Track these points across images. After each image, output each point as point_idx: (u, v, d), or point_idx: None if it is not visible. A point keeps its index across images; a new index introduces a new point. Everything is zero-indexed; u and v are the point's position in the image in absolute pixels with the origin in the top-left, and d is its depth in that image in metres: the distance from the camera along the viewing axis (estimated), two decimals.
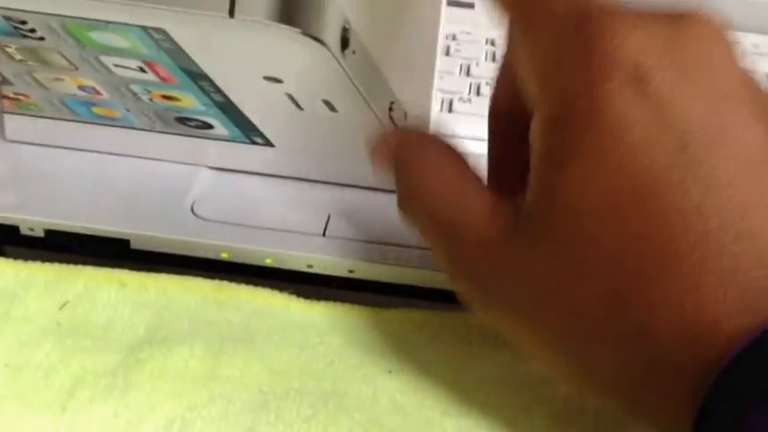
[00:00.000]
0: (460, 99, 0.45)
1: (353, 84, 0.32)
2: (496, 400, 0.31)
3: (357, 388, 0.32)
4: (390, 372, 0.32)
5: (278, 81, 0.33)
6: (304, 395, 0.31)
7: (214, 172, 0.39)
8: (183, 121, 0.37)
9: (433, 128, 0.33)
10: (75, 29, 0.32)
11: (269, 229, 0.36)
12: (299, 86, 0.33)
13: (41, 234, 0.36)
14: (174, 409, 0.30)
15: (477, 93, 0.46)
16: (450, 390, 0.32)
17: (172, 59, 0.32)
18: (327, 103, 0.34)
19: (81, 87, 0.36)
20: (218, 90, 0.34)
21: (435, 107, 0.45)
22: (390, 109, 0.35)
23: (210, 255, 0.35)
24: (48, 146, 0.39)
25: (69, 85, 0.36)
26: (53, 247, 0.36)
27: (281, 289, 0.35)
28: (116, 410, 0.29)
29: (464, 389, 0.32)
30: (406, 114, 0.36)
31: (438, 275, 0.35)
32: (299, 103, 0.34)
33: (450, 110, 0.45)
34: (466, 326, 0.34)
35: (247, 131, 0.37)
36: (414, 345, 0.34)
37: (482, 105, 0.42)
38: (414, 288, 0.36)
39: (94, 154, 0.39)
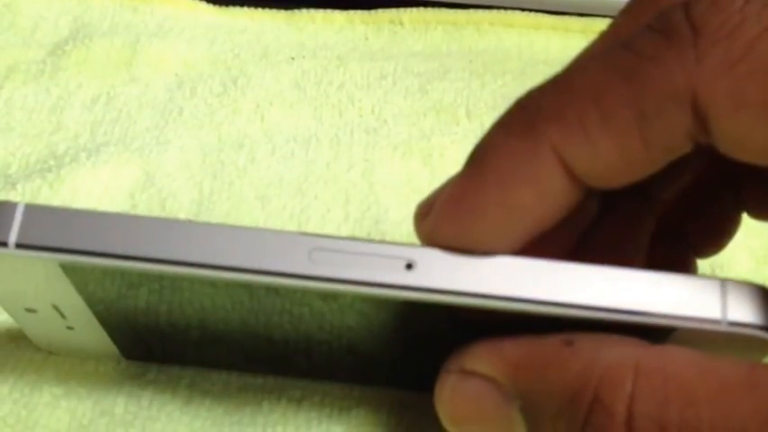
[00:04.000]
0: None
1: None
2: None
3: (262, 71, 0.36)
4: (293, 58, 0.37)
5: None
6: (215, 77, 0.35)
7: None
8: None
9: None
10: None
11: None
12: None
13: None
14: (99, 87, 0.34)
15: None
16: (350, 74, 0.36)
17: None
18: None
19: None
20: None
21: None
22: None
23: None
24: None
25: None
26: None
27: None
28: (47, 88, 0.33)
29: (362, 72, 0.36)
30: None
31: None
32: None
33: None
34: (364, 22, 0.38)
35: None
36: (315, 38, 0.38)
37: None
38: None
39: None
